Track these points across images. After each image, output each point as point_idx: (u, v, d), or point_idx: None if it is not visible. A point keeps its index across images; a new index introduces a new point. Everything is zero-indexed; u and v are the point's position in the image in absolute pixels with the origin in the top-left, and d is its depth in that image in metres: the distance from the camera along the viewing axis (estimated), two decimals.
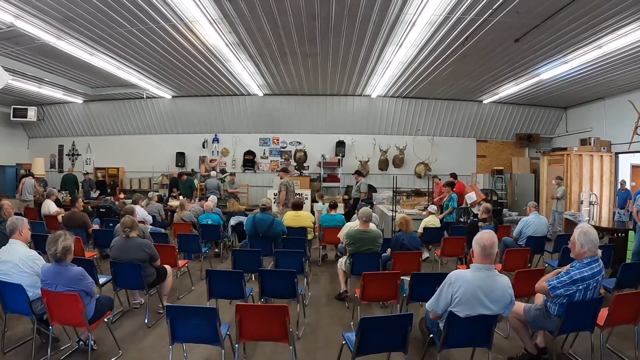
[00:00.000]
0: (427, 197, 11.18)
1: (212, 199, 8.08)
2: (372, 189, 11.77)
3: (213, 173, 11.22)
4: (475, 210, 9.03)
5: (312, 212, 9.04)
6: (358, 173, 10.93)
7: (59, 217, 7.34)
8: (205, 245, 6.69)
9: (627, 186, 9.50)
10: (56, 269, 3.26)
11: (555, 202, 9.70)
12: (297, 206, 7.02)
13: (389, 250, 5.41)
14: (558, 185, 9.53)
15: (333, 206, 7.33)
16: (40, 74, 9.02)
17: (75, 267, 3.33)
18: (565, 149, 10.78)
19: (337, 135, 12.62)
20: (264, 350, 3.82)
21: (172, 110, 12.53)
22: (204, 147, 12.93)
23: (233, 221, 7.48)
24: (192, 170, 12.64)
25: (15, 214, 5.38)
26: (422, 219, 7.34)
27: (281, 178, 9.04)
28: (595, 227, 3.93)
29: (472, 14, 5.65)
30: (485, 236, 2.97)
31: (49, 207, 7.81)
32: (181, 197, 10.04)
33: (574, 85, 9.34)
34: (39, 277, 3.38)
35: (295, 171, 12.04)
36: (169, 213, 9.25)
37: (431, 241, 7.06)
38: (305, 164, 12.72)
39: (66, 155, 13.76)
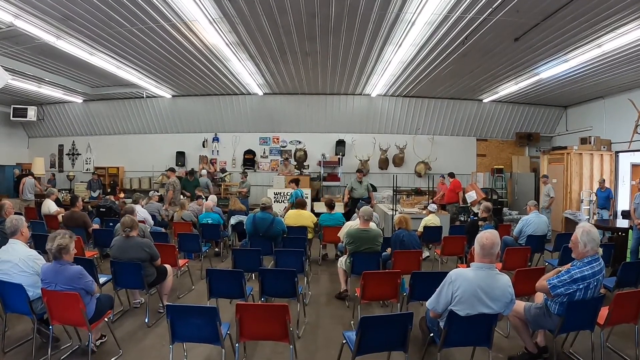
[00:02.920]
0: (427, 196, 11.19)
1: (212, 198, 8.08)
2: (372, 187, 11.74)
3: (204, 172, 11.42)
4: (475, 209, 9.04)
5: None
6: (360, 171, 10.87)
7: (59, 217, 7.34)
8: (205, 245, 6.69)
9: (627, 184, 9.49)
10: (55, 268, 3.27)
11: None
12: (300, 205, 7.01)
13: (388, 249, 5.40)
14: (544, 183, 9.50)
15: (330, 206, 7.29)
16: (40, 73, 9.00)
17: (74, 265, 3.34)
18: (565, 147, 10.78)
19: (337, 134, 12.61)
20: (264, 350, 3.83)
21: (172, 110, 12.52)
22: (204, 146, 12.93)
23: (233, 220, 7.48)
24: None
25: (15, 213, 5.37)
26: (422, 218, 7.34)
27: (169, 177, 9.37)
28: (595, 225, 3.93)
29: (472, 13, 5.64)
30: (485, 235, 2.97)
31: (49, 206, 7.81)
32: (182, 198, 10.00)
33: (574, 84, 9.33)
34: (39, 276, 3.38)
35: (296, 170, 12.03)
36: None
37: (431, 240, 7.06)
38: (305, 163, 12.69)
39: (66, 154, 13.75)
